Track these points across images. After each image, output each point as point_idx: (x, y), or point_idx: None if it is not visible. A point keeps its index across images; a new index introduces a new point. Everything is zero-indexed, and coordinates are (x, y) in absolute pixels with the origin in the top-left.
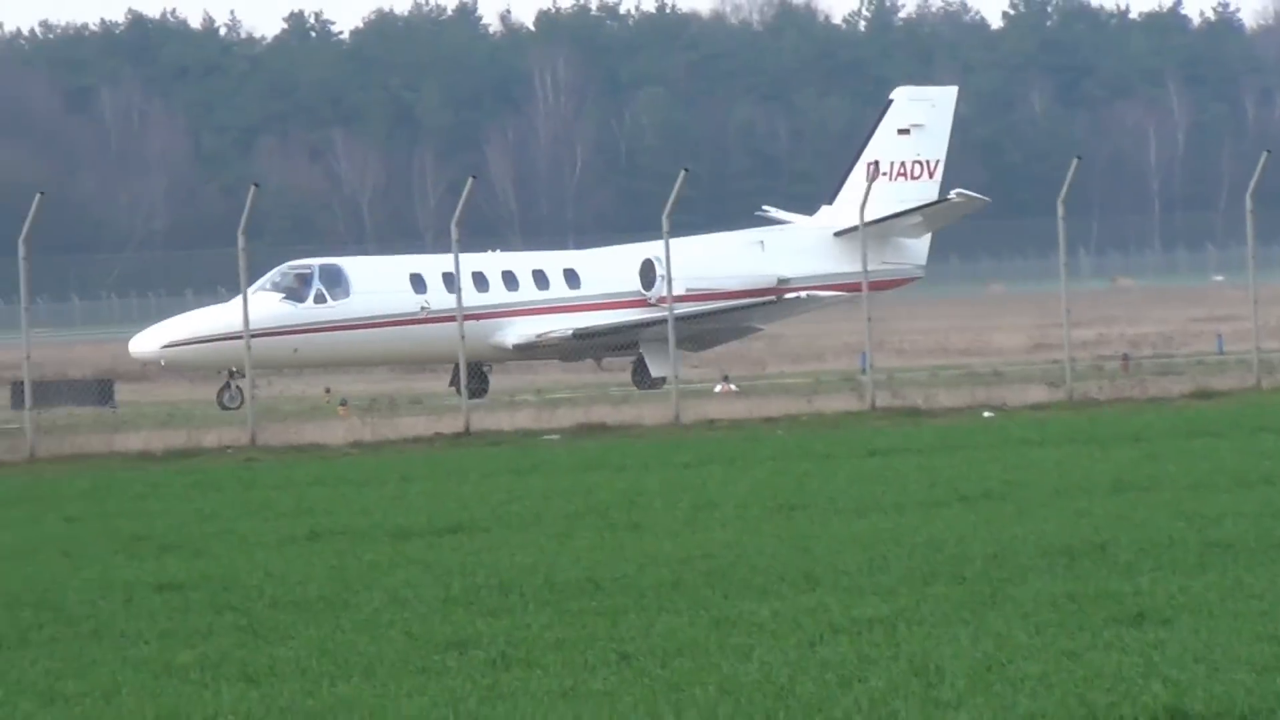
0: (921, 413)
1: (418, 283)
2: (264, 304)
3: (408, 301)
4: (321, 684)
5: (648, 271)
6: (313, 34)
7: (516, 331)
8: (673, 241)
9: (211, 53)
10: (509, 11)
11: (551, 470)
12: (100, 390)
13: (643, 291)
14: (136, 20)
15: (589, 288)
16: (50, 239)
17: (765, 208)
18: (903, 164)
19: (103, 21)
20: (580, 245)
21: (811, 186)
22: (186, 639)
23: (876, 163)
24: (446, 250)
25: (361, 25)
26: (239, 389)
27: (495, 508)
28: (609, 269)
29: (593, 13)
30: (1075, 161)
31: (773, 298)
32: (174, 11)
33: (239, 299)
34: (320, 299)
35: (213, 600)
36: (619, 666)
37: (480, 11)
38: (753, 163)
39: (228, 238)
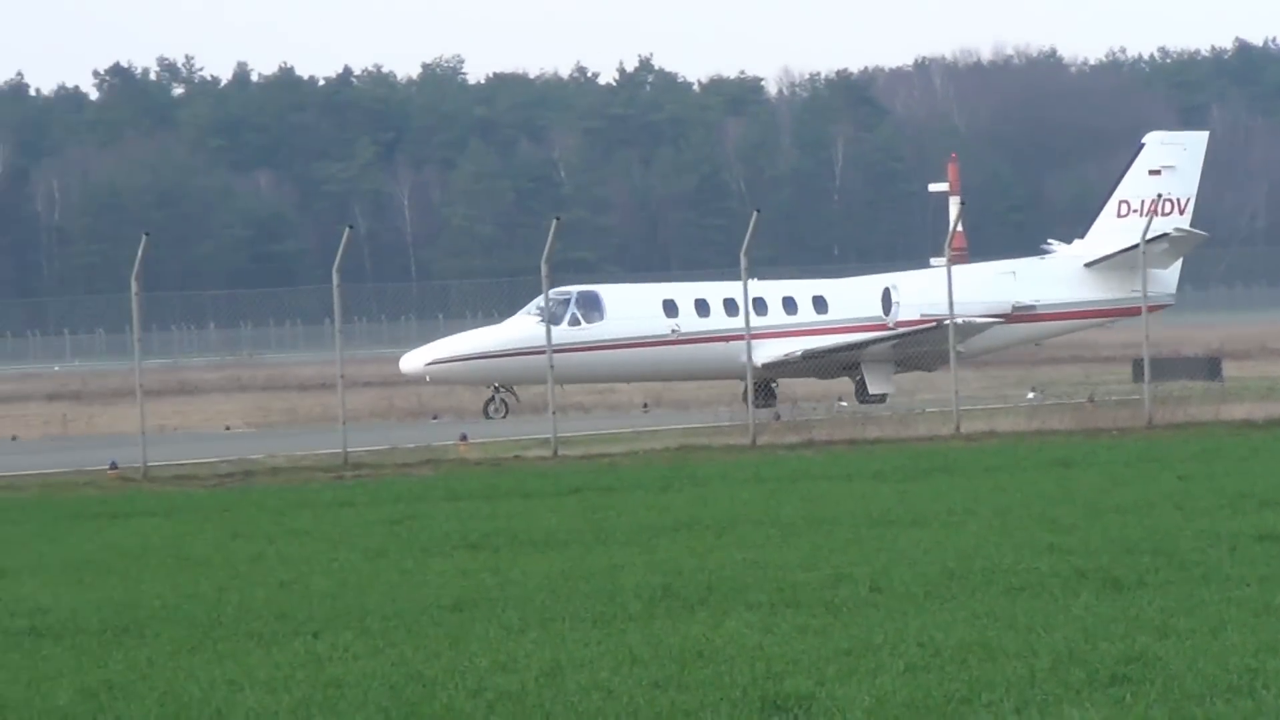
0: None
1: (670, 308)
2: (524, 326)
3: (659, 325)
4: None
5: (887, 299)
6: None
7: (766, 352)
8: (916, 271)
9: None
10: None
11: None
12: (1209, 366)
13: (883, 317)
14: (1242, 46)
15: (835, 313)
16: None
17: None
18: (1152, 201)
19: (1213, 48)
20: None
21: None
22: None
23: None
24: None
25: None
26: (503, 401)
27: None
28: (855, 296)
29: None
30: None
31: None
32: (1275, 39)
33: (506, 321)
34: (574, 322)
35: None
36: None
37: None
38: None
39: None
